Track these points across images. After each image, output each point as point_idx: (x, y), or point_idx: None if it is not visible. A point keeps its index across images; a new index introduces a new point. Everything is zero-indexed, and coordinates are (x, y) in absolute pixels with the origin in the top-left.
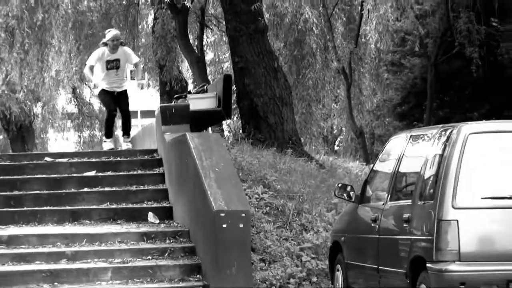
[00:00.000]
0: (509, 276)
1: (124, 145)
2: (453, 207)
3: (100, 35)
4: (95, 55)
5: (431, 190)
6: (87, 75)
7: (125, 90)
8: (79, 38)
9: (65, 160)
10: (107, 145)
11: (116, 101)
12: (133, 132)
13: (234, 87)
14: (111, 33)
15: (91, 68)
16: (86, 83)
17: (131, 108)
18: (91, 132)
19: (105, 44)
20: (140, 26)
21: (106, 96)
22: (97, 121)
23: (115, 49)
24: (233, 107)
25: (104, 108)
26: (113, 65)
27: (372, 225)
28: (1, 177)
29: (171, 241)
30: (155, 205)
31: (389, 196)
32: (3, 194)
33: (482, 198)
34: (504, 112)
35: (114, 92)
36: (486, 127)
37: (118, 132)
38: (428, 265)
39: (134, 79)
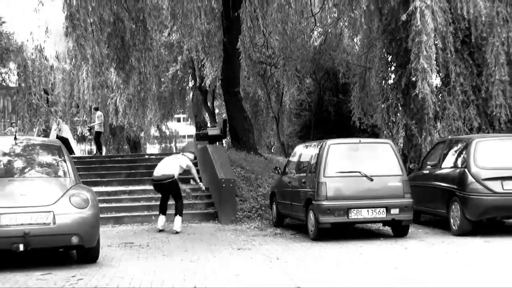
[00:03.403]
0: (348, 206)
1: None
2: (324, 176)
3: (169, 103)
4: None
5: (314, 169)
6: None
7: None
8: (159, 104)
9: (154, 156)
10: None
11: None
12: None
13: (228, 125)
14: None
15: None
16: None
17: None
18: (165, 145)
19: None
20: (186, 98)
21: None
22: (168, 140)
23: None
24: (227, 133)
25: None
26: None
27: (289, 184)
28: (126, 164)
29: (200, 192)
30: None
31: (296, 171)
32: (127, 172)
33: (336, 172)
34: (344, 135)
35: None
36: (337, 141)
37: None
38: (313, 202)
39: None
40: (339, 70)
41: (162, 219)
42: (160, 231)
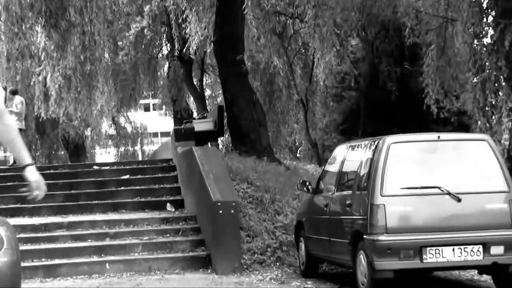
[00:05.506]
0: (421, 243)
1: None
2: (381, 195)
3: (131, 80)
4: None
5: (365, 183)
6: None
7: None
8: (116, 82)
9: (107, 168)
10: None
11: None
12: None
13: (225, 114)
14: None
15: None
16: None
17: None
18: (125, 148)
19: None
20: (158, 73)
21: None
22: (129, 140)
23: None
24: (225, 128)
25: None
26: None
27: (324, 209)
28: (62, 181)
29: (183, 223)
30: (171, 198)
31: (336, 188)
32: (64, 193)
33: (401, 188)
34: (412, 128)
35: None
36: (402, 138)
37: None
38: (364, 236)
39: None
40: (404, 23)
41: None
42: None
